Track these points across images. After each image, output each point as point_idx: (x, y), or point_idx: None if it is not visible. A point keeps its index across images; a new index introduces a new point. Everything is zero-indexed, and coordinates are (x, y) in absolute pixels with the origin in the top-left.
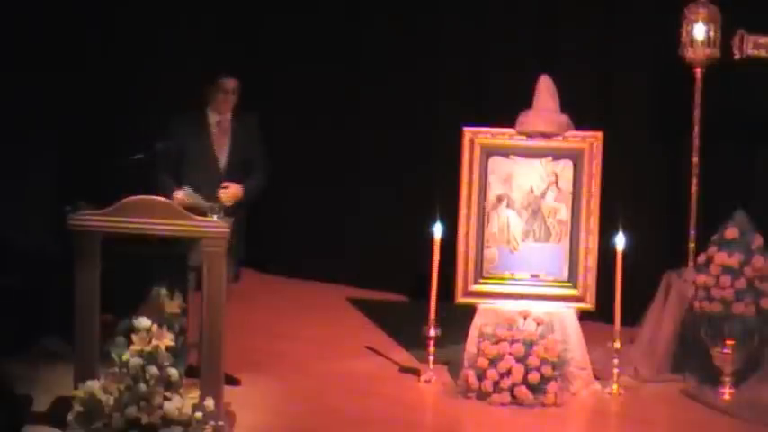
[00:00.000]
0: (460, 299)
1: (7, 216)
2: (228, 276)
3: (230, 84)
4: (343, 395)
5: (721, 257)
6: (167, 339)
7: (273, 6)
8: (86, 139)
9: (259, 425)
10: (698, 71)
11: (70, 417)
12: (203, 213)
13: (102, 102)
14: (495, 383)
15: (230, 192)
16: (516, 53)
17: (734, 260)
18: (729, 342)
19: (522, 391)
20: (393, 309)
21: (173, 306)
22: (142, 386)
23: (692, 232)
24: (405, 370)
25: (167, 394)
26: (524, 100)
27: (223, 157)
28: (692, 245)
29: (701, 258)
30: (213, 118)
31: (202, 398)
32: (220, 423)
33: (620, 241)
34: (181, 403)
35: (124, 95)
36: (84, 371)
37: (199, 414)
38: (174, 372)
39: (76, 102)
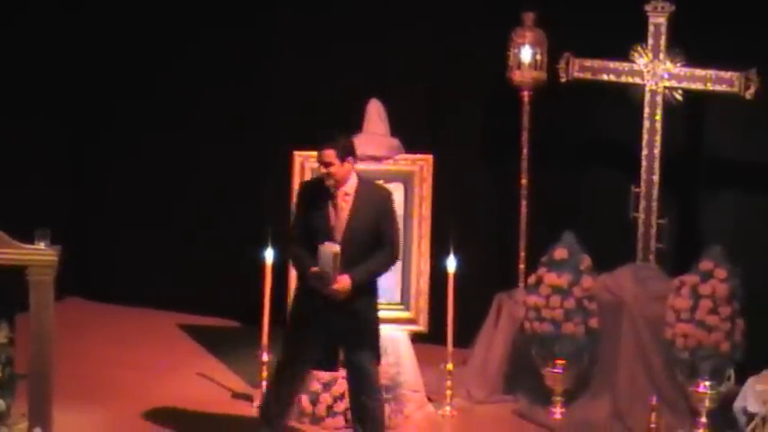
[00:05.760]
0: None
1: None
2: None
3: (321, 156)
4: (175, 422)
5: (551, 278)
6: None
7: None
8: None
9: None
10: (525, 94)
11: None
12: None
13: None
14: (329, 408)
15: (340, 288)
16: (346, 76)
17: (563, 281)
18: (560, 362)
19: None
20: (225, 334)
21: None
22: None
23: (522, 254)
24: (237, 395)
25: None
26: (354, 123)
27: (338, 233)
28: (522, 266)
29: (532, 279)
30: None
31: (30, 429)
32: None
33: (451, 263)
34: None
35: None
36: None
37: None
38: (0, 403)
39: None
